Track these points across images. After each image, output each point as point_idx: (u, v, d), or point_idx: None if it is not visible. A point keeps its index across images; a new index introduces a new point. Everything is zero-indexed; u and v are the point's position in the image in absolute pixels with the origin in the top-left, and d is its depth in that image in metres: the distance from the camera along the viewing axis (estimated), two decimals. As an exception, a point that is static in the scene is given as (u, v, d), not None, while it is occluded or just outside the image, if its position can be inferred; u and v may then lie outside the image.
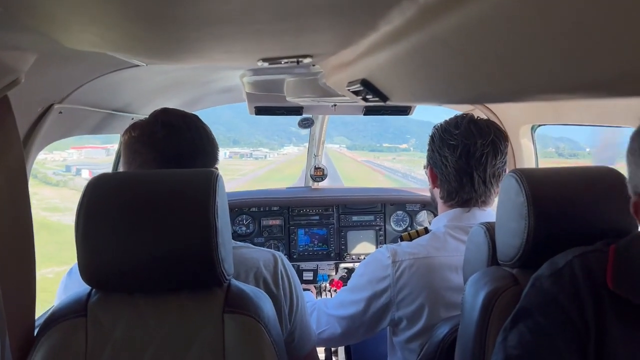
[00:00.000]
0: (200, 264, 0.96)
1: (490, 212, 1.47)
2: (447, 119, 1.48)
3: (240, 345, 0.98)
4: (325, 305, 1.56)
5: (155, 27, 0.72)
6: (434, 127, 1.49)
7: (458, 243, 1.40)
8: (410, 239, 1.48)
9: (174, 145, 1.19)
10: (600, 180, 1.08)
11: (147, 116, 1.26)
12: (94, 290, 1.01)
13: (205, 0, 0.54)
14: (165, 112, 1.26)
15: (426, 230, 1.50)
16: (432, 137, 1.48)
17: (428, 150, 1.50)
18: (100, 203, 0.96)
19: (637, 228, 1.01)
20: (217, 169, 1.29)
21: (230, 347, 0.97)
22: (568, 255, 0.92)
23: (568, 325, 0.85)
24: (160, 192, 0.97)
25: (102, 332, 0.97)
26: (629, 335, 0.82)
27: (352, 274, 1.55)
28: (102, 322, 0.98)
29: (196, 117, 1.28)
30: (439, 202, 1.52)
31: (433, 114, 1.61)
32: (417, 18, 0.52)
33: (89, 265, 0.96)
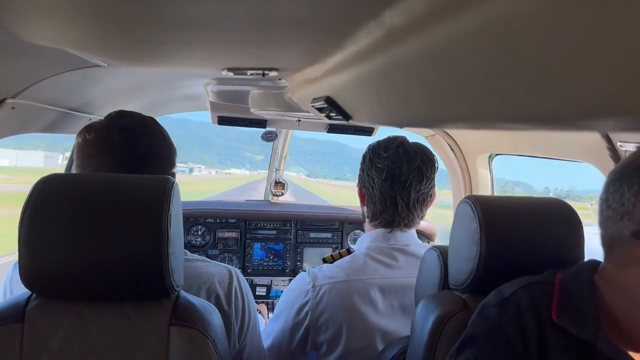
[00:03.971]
0: (149, 273, 0.93)
1: (412, 233, 1.50)
2: (380, 139, 1.50)
3: (185, 359, 0.95)
4: None
5: (117, 27, 0.70)
6: (368, 146, 1.50)
7: (377, 265, 1.41)
8: (333, 260, 1.49)
9: (131, 150, 1.16)
10: (552, 211, 1.11)
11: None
12: (34, 295, 0.96)
13: (169, 2, 0.53)
14: (121, 115, 1.22)
15: (348, 252, 1.51)
16: (363, 157, 1.49)
17: (360, 169, 1.52)
18: (47, 203, 0.92)
19: (584, 258, 1.04)
20: (174, 174, 1.27)
21: None
22: (514, 285, 0.93)
23: (512, 355, 0.85)
24: (112, 197, 0.93)
25: (39, 339, 0.92)
26: None
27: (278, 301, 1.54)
28: (40, 329, 0.93)
29: (154, 120, 1.25)
30: (366, 221, 1.54)
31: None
32: (383, 40, 0.53)
33: (30, 269, 0.91)
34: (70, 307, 0.95)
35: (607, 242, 0.82)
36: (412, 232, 1.50)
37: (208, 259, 1.28)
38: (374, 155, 1.45)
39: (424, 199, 1.45)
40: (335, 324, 1.36)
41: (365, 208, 1.52)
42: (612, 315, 0.82)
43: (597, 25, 0.26)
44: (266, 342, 1.48)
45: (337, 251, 1.54)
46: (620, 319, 0.81)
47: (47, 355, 0.91)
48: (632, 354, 0.80)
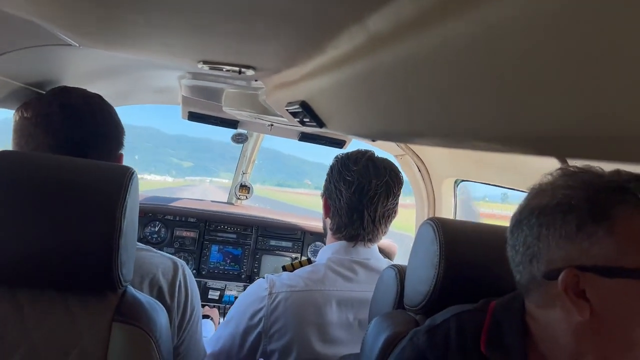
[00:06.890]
0: (96, 264, 0.88)
1: (374, 249, 1.49)
2: (349, 152, 1.48)
3: (124, 358, 0.90)
4: (207, 345, 1.50)
5: (93, 2, 0.67)
6: (335, 157, 1.49)
7: (337, 277, 1.40)
8: (293, 269, 1.47)
9: (74, 131, 1.08)
10: None
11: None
12: None
13: None
14: (64, 91, 1.14)
15: (309, 261, 1.50)
16: (331, 168, 1.49)
17: (326, 180, 1.51)
18: None
19: None
20: (121, 155, 1.21)
21: (113, 359, 0.89)
22: (447, 313, 0.91)
23: None
24: (64, 181, 0.88)
25: None
26: None
27: (232, 305, 1.50)
28: None
29: (100, 97, 1.18)
30: (329, 232, 1.52)
31: (329, 157, 1.59)
32: (363, 46, 0.52)
33: None
34: (7, 294, 0.89)
35: (524, 287, 0.81)
36: (374, 247, 1.50)
37: (153, 249, 1.22)
38: (343, 167, 1.43)
39: (389, 214, 1.45)
40: (288, 333, 1.33)
41: (328, 220, 1.51)
42: (539, 350, 0.81)
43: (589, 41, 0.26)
44: (215, 346, 1.44)
45: (298, 260, 1.52)
46: (547, 356, 0.80)
47: None
48: None
